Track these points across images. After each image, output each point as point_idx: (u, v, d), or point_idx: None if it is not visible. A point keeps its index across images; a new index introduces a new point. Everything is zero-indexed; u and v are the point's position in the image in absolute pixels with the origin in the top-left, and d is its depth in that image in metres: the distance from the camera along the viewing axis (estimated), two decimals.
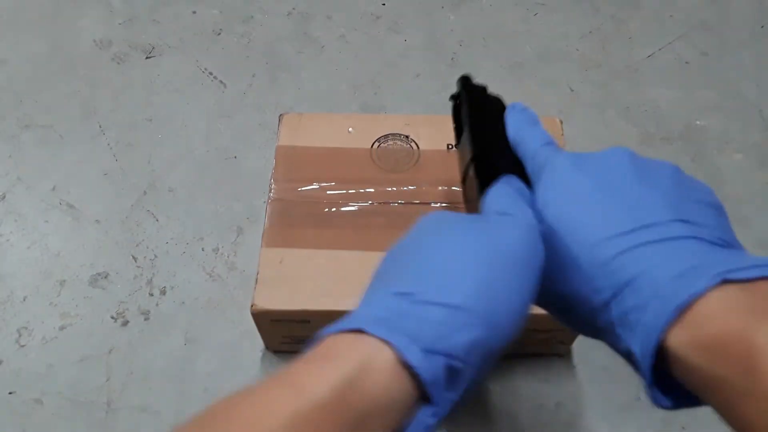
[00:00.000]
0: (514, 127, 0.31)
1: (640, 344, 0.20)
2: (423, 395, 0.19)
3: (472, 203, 0.30)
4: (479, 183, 0.28)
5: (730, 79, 0.69)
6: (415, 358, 0.18)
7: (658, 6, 0.76)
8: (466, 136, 0.34)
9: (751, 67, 0.70)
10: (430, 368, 0.18)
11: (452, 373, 0.19)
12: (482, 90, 0.36)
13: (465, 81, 0.37)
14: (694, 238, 0.21)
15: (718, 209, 0.24)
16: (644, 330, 0.19)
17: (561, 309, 0.25)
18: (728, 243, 0.22)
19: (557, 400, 0.48)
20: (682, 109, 0.66)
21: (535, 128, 0.30)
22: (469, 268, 0.20)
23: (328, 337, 0.19)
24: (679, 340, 0.19)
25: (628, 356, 0.21)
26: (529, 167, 0.28)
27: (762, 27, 0.74)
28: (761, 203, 0.59)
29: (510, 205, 0.24)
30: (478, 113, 0.34)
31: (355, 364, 0.17)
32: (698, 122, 0.65)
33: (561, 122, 0.52)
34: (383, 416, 0.18)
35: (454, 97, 0.38)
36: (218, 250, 0.56)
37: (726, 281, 0.19)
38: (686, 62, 0.70)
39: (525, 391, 0.49)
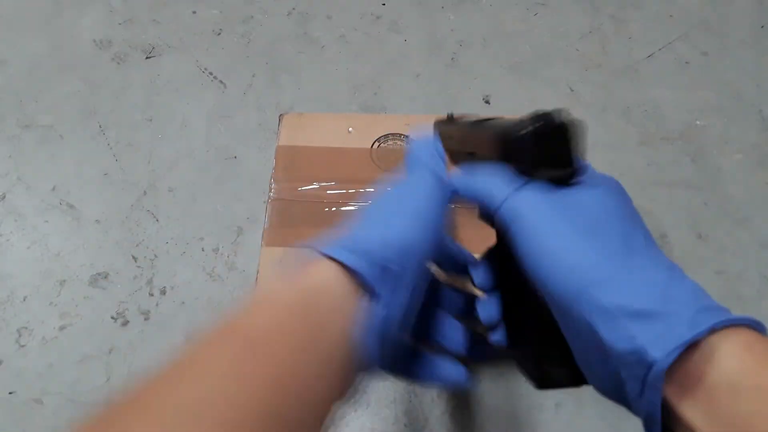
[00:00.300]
0: (461, 183, 0.29)
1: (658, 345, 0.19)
2: (372, 294, 0.23)
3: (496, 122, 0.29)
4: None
5: (731, 80, 0.69)
6: (350, 260, 0.23)
7: (658, 6, 0.76)
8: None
9: (752, 67, 0.70)
10: (364, 265, 0.23)
11: (388, 274, 0.23)
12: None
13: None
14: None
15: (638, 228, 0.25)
16: (666, 335, 0.19)
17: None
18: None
19: (557, 401, 0.48)
20: (682, 109, 0.66)
21: (478, 178, 0.27)
22: (391, 216, 0.26)
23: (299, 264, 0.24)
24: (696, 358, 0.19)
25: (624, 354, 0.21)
26: (501, 211, 0.26)
27: (762, 27, 0.74)
28: (761, 203, 0.59)
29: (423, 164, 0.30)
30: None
31: (312, 277, 0.23)
32: (698, 122, 0.65)
33: None
34: (337, 312, 0.22)
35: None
36: (218, 250, 0.56)
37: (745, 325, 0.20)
38: (686, 62, 0.70)
39: (524, 391, 0.49)
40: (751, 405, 0.18)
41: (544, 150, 0.24)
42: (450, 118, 0.38)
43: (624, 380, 0.20)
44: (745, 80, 0.68)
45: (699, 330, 0.19)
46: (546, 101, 0.67)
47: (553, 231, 0.23)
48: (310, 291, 0.22)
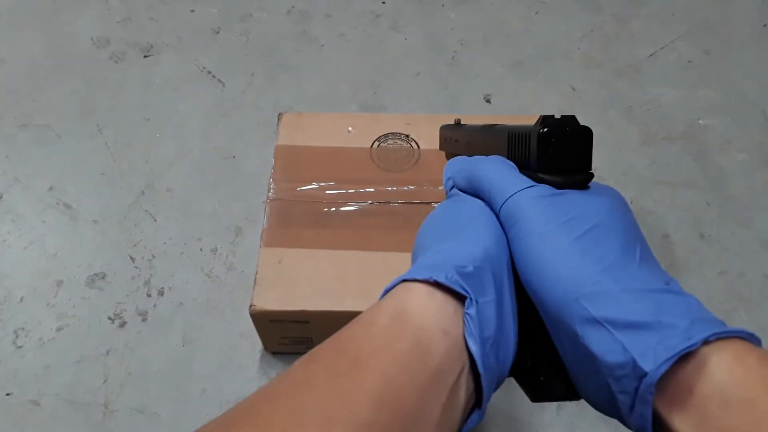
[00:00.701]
0: (465, 181, 0.28)
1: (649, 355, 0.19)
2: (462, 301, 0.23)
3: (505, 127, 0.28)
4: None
5: (733, 79, 0.68)
6: (431, 274, 0.22)
7: (660, 4, 0.75)
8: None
9: (754, 66, 0.69)
10: (444, 274, 0.22)
11: (472, 276, 0.23)
12: None
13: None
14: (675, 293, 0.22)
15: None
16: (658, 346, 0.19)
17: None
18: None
19: (558, 401, 0.48)
20: (684, 109, 0.66)
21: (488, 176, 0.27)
22: (468, 231, 0.26)
23: (388, 293, 0.24)
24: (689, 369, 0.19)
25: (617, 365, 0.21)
26: (502, 211, 0.25)
27: (765, 26, 0.73)
28: (764, 203, 0.59)
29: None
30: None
31: (400, 299, 0.23)
32: (701, 121, 0.65)
33: None
34: (434, 327, 0.22)
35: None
36: (217, 250, 0.55)
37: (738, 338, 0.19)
38: (689, 61, 0.70)
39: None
40: (741, 417, 0.17)
41: (552, 155, 0.24)
42: (457, 124, 0.38)
43: (615, 393, 0.20)
44: (747, 79, 0.68)
45: (692, 342, 0.18)
46: (547, 100, 0.67)
47: (550, 238, 0.22)
48: (401, 311, 0.22)
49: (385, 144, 0.51)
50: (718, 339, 0.19)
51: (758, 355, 0.19)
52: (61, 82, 0.67)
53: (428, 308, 0.22)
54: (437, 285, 0.22)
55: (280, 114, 0.52)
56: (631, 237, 0.23)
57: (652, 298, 0.20)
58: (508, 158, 0.27)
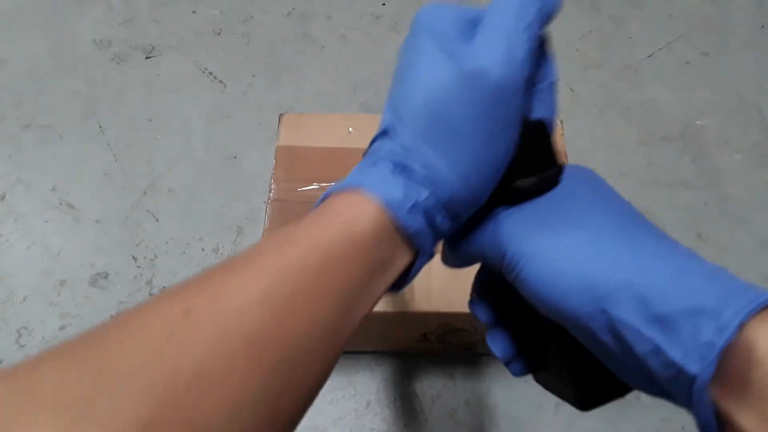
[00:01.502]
0: None
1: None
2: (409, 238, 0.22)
3: None
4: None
5: (731, 80, 0.69)
6: (400, 216, 0.21)
7: (658, 6, 0.75)
8: None
9: (752, 68, 0.70)
10: (413, 223, 0.21)
11: (433, 221, 0.22)
12: None
13: None
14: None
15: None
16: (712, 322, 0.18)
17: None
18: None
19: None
20: (682, 109, 0.66)
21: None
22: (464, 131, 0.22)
23: (332, 195, 0.22)
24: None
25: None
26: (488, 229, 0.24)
27: (762, 27, 0.74)
28: (761, 203, 0.59)
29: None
30: None
31: (348, 219, 0.21)
32: (698, 122, 0.65)
33: (561, 122, 0.52)
34: (380, 260, 0.21)
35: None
36: (218, 250, 0.56)
37: None
38: (686, 62, 0.70)
39: (524, 391, 0.49)
40: None
41: (516, 161, 0.23)
42: None
43: (670, 391, 0.19)
44: (745, 80, 0.68)
45: (729, 332, 0.17)
46: None
47: (545, 255, 0.21)
48: (356, 233, 0.21)
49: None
50: (753, 316, 0.17)
51: None
52: (63, 83, 0.67)
53: (379, 243, 0.21)
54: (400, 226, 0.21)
55: (280, 115, 0.53)
56: (619, 213, 0.22)
57: (668, 278, 0.19)
58: None
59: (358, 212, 0.21)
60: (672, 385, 0.18)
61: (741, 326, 0.17)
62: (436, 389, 0.49)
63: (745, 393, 0.17)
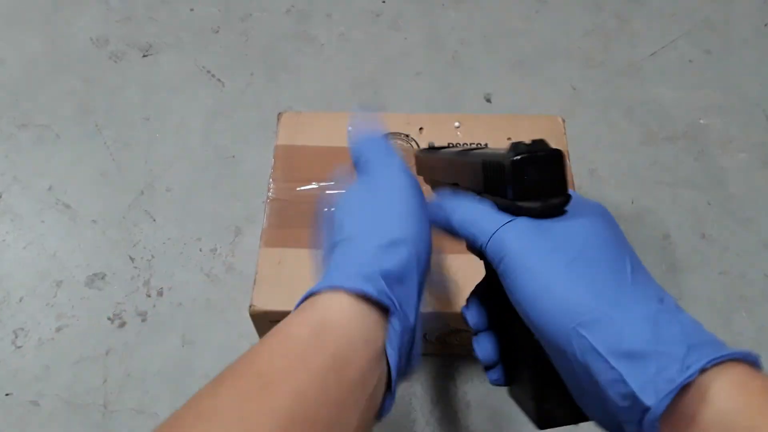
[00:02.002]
0: (449, 219, 0.27)
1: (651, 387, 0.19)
2: (385, 312, 0.23)
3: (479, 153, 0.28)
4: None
5: (734, 78, 0.68)
6: (360, 285, 0.23)
7: (661, 4, 0.75)
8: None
9: (755, 66, 0.69)
10: (373, 285, 0.23)
11: (396, 284, 0.23)
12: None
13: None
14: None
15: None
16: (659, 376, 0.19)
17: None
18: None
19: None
20: (685, 108, 0.66)
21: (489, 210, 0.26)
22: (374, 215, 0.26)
23: (306, 300, 0.24)
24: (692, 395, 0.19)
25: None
26: (487, 250, 0.25)
27: (765, 25, 0.73)
28: (765, 203, 0.59)
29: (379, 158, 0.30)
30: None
31: (324, 310, 0.23)
32: (702, 121, 0.65)
33: (563, 121, 0.51)
34: (355, 338, 0.22)
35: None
36: (216, 250, 0.55)
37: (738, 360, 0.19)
38: (689, 60, 0.70)
39: None
40: None
41: (527, 182, 0.24)
42: (431, 148, 0.37)
43: (621, 422, 0.20)
44: (748, 79, 0.68)
45: (690, 372, 0.18)
46: (548, 100, 0.66)
47: (539, 271, 0.22)
48: (323, 322, 0.22)
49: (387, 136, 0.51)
50: (715, 365, 0.19)
51: (759, 382, 0.19)
52: (60, 81, 0.67)
53: (352, 319, 0.22)
54: (364, 297, 0.23)
55: (279, 114, 0.52)
56: (619, 254, 0.23)
57: (647, 321, 0.20)
58: (483, 186, 0.26)
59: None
60: (626, 415, 0.20)
61: (702, 371, 0.18)
62: (436, 391, 0.49)
63: (693, 430, 0.18)
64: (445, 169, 0.33)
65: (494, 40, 0.72)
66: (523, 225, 0.24)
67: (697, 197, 0.59)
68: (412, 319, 0.24)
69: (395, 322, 0.23)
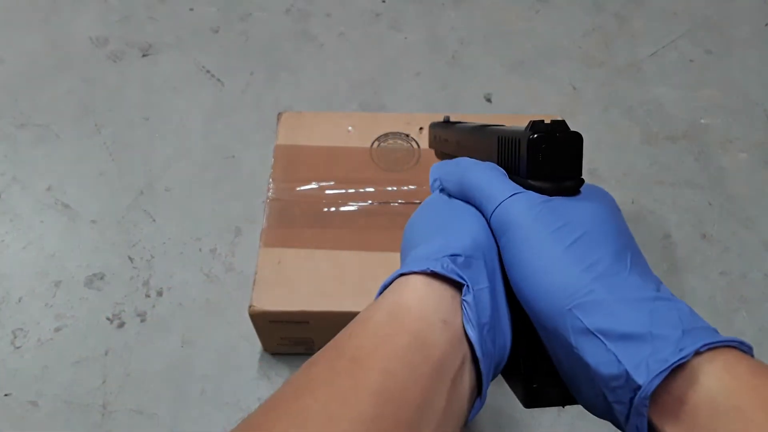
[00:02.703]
0: (480, 171, 0.27)
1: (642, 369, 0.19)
2: (459, 290, 0.23)
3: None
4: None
5: (735, 78, 0.68)
6: (427, 265, 0.23)
7: (661, 3, 0.75)
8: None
9: (756, 66, 0.69)
10: (440, 264, 0.23)
11: (465, 264, 0.23)
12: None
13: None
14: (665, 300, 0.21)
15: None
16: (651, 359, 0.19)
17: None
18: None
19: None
20: (686, 108, 0.65)
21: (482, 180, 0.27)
22: (452, 229, 0.26)
23: (386, 289, 0.24)
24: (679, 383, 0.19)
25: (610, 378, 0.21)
26: (493, 219, 0.25)
27: (766, 25, 0.73)
28: (766, 203, 0.59)
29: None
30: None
31: (398, 294, 0.23)
32: (702, 121, 0.65)
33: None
34: (433, 317, 0.22)
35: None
36: (216, 250, 0.55)
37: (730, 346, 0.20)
38: (690, 60, 0.70)
39: None
40: (728, 426, 0.18)
41: (542, 161, 0.24)
42: (447, 122, 0.37)
43: (611, 403, 0.20)
44: (749, 78, 0.68)
45: (684, 353, 0.19)
46: (548, 99, 0.66)
47: (541, 247, 0.22)
48: (399, 304, 0.22)
49: (385, 144, 0.51)
50: (709, 349, 0.19)
51: (748, 365, 0.19)
52: (59, 81, 0.67)
53: (426, 299, 0.22)
54: (434, 275, 0.23)
55: (279, 113, 0.52)
56: (622, 242, 0.23)
57: (644, 307, 0.20)
58: (498, 162, 0.27)
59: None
60: (616, 395, 0.20)
61: (696, 353, 0.19)
62: None
63: (680, 413, 0.19)
64: (459, 142, 0.32)
65: (494, 40, 0.71)
66: (532, 199, 0.24)
67: (698, 197, 0.59)
68: (486, 300, 0.23)
69: (469, 297, 0.22)
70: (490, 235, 0.25)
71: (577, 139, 0.24)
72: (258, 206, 0.56)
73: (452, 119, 0.38)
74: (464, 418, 0.23)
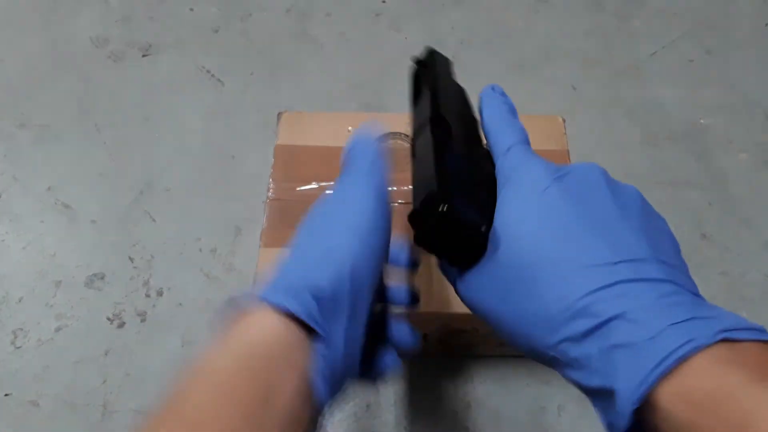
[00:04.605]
0: (490, 112, 0.28)
1: (626, 384, 0.19)
2: (314, 334, 0.22)
3: (421, 163, 0.27)
4: (434, 143, 0.26)
5: (735, 78, 0.68)
6: (286, 302, 0.21)
7: (661, 4, 0.75)
8: (426, 96, 0.31)
9: (756, 66, 0.69)
10: (299, 303, 0.21)
11: (328, 304, 0.22)
12: (450, 63, 0.35)
13: (433, 50, 0.35)
14: (671, 282, 0.21)
15: (675, 242, 0.25)
16: (635, 372, 0.18)
17: (512, 329, 0.23)
18: (696, 291, 0.22)
19: (559, 403, 0.48)
20: (686, 108, 0.65)
21: (513, 120, 0.28)
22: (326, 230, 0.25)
23: (239, 313, 0.23)
24: (668, 390, 0.18)
25: (596, 393, 0.20)
26: (498, 163, 0.26)
27: (766, 25, 0.73)
28: (766, 203, 0.59)
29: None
30: (446, 78, 0.33)
31: (249, 332, 0.21)
32: (702, 121, 0.65)
33: (563, 121, 0.51)
34: (283, 363, 0.21)
35: (419, 62, 0.36)
36: (216, 250, 0.55)
37: (723, 340, 0.18)
38: (690, 60, 0.70)
39: (526, 393, 0.48)
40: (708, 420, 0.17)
41: (439, 241, 0.24)
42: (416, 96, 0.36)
43: (593, 404, 0.20)
44: (749, 78, 0.68)
45: (664, 366, 0.18)
46: (548, 99, 0.66)
47: (533, 218, 0.23)
48: (250, 348, 0.21)
49: (385, 144, 0.51)
50: (694, 354, 0.18)
51: (734, 356, 0.18)
52: (59, 81, 0.67)
53: (278, 344, 0.21)
54: (291, 315, 0.21)
55: (279, 113, 0.52)
56: (610, 222, 0.23)
57: (614, 290, 0.20)
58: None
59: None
60: (599, 401, 0.20)
61: (698, 349, 0.18)
62: (437, 392, 0.49)
63: (664, 412, 0.18)
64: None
65: (494, 40, 0.71)
66: (541, 163, 0.24)
67: (698, 197, 0.59)
68: (340, 342, 0.22)
69: (322, 348, 0.22)
70: (374, 235, 0.25)
71: (444, 217, 0.23)
72: (258, 206, 0.56)
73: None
74: None
